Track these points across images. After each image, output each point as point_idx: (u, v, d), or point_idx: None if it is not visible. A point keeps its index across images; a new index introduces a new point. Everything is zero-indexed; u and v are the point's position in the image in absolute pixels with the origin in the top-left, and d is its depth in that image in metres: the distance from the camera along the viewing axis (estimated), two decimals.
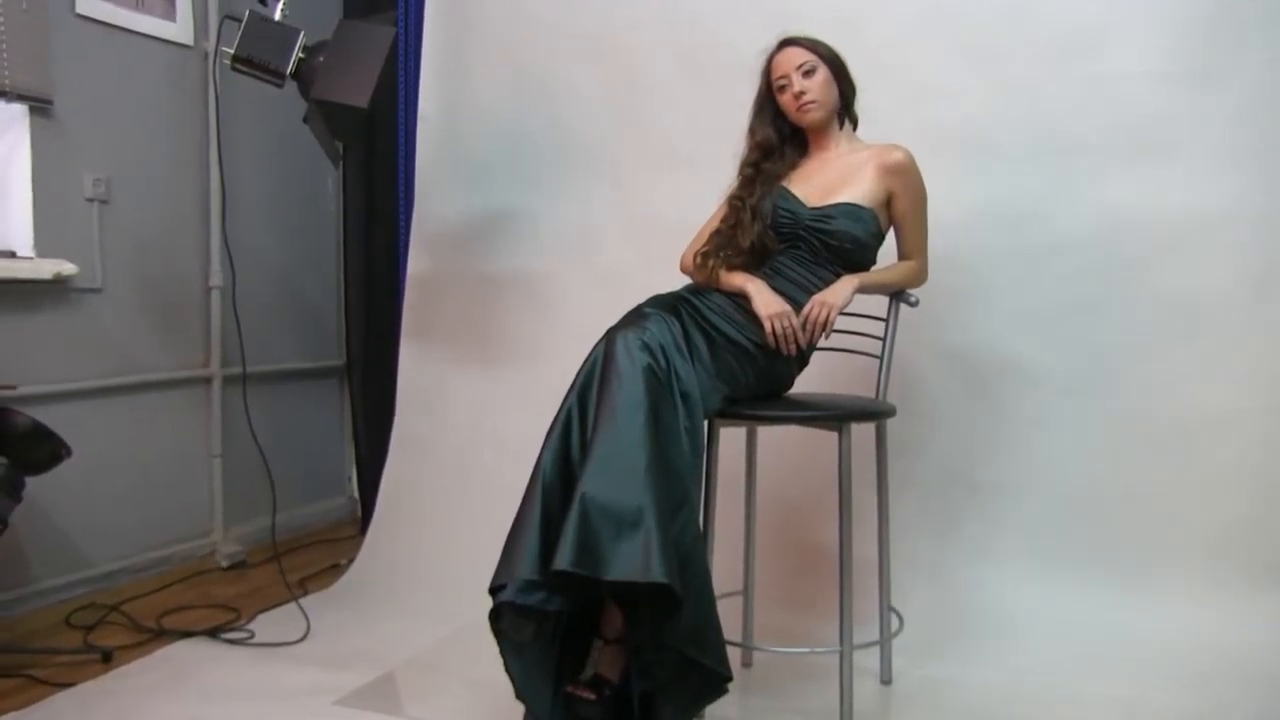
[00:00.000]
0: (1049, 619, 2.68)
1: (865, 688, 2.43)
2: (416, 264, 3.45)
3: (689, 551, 1.98)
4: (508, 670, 2.03)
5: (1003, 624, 2.69)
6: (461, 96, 3.41)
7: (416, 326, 3.46)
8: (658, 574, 1.83)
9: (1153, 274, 2.72)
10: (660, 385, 2.02)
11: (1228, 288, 2.68)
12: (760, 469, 2.61)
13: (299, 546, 3.59)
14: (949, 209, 2.67)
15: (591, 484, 1.90)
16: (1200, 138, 2.70)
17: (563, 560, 1.84)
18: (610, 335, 2.10)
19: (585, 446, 2.00)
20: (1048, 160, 2.80)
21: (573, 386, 2.11)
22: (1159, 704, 2.35)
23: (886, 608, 2.46)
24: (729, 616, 2.32)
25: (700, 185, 2.73)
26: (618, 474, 1.92)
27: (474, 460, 3.31)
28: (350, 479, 3.99)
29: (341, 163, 3.15)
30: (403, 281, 3.49)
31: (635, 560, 1.85)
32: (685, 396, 2.06)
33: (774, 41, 2.42)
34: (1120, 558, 2.73)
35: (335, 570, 3.33)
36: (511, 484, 3.14)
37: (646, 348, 2.04)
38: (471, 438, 3.34)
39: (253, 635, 2.76)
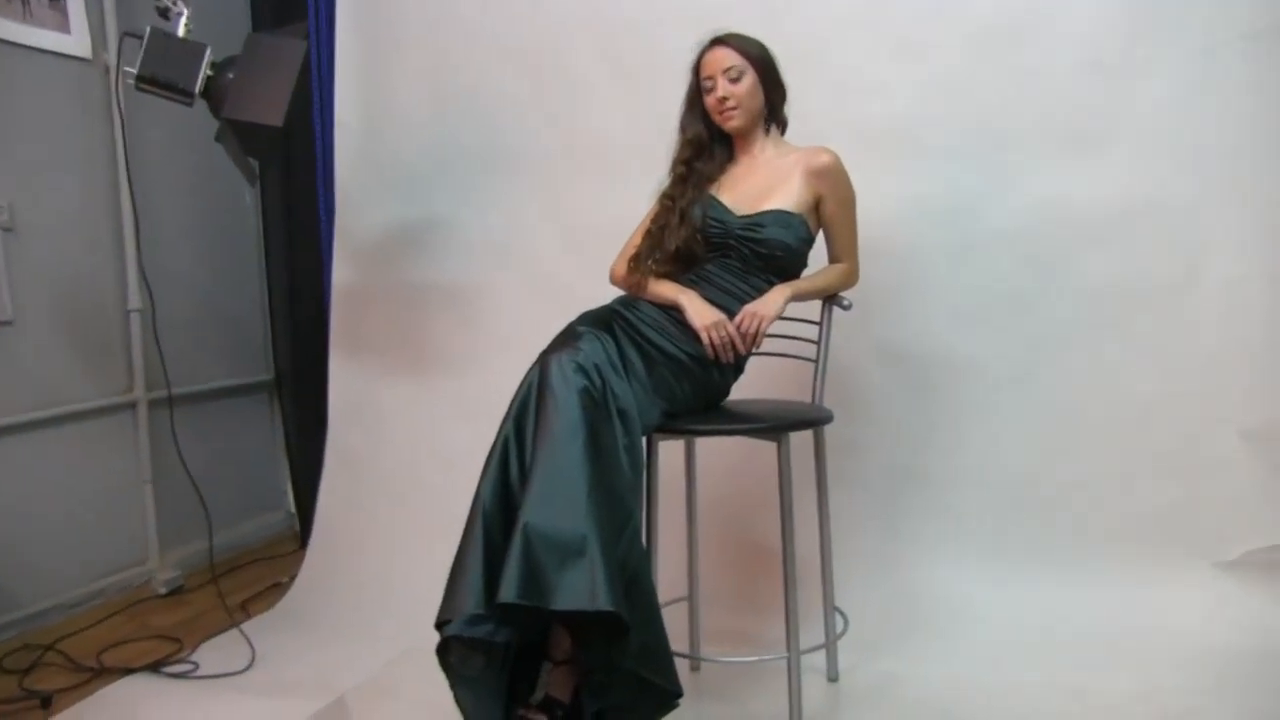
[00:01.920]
0: (991, 609, 2.73)
1: (813, 686, 2.45)
2: (341, 275, 3.38)
3: (635, 571, 1.97)
4: (458, 702, 2.01)
5: (946, 616, 2.73)
6: (380, 102, 3.35)
7: (345, 339, 3.40)
8: (605, 602, 1.83)
9: (1084, 265, 2.77)
10: (597, 406, 2.01)
11: (1157, 277, 2.73)
12: (700, 476, 2.60)
13: (238, 566, 3.52)
14: (880, 205, 2.68)
15: (533, 513, 1.88)
16: (1127, 129, 2.74)
17: (508, 593, 1.83)
18: (544, 358, 2.07)
19: (524, 474, 1.98)
20: (978, 154, 2.83)
21: (508, 413, 2.08)
22: (1100, 689, 2.39)
23: (830, 609, 2.47)
24: (675, 622, 2.34)
25: (633, 190, 2.71)
26: (559, 502, 1.90)
27: (411, 473, 3.28)
28: (286, 493, 3.92)
29: (259, 179, 3.07)
30: (328, 294, 3.41)
31: (582, 589, 1.84)
32: (623, 415, 2.05)
33: (707, 36, 2.39)
34: (1058, 546, 2.79)
35: (277, 589, 3.27)
36: (450, 496, 3.13)
37: (581, 369, 2.02)
38: (407, 450, 3.30)
39: (197, 667, 2.69)
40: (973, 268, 2.85)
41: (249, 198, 3.80)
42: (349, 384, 3.39)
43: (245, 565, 3.56)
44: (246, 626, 2.92)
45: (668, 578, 2.46)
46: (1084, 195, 2.76)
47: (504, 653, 2.00)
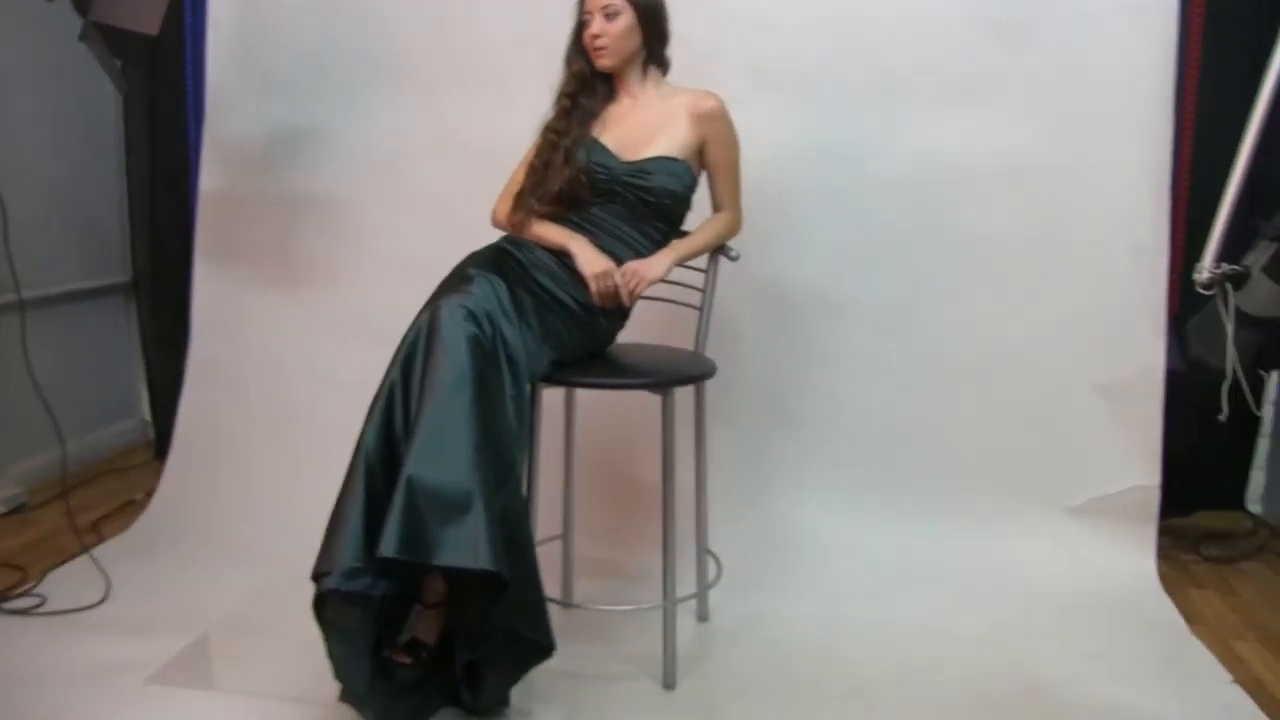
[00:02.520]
0: (856, 549, 2.84)
1: (684, 626, 2.49)
2: (210, 180, 3.21)
3: (514, 524, 1.97)
4: (330, 653, 1.96)
5: (813, 556, 2.83)
6: (255, 2, 3.14)
7: (211, 245, 3.24)
8: (486, 561, 1.82)
9: (961, 217, 2.84)
10: (486, 355, 1.98)
11: (1028, 235, 2.83)
12: (580, 420, 2.61)
13: (88, 480, 3.36)
14: (767, 146, 2.68)
15: (418, 466, 1.85)
16: (1009, 87, 2.81)
17: (388, 547, 1.81)
18: (434, 303, 2.02)
19: (410, 424, 1.93)
20: (865, 100, 2.85)
21: (395, 357, 2.02)
22: (953, 630, 2.50)
23: (704, 555, 2.51)
24: (550, 559, 2.35)
25: (513, 108, 2.64)
26: (445, 455, 1.87)
27: (278, 388, 3.19)
28: (141, 400, 3.76)
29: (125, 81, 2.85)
30: (194, 197, 3.25)
31: (464, 546, 1.83)
32: (512, 363, 2.03)
33: None
34: (921, 489, 2.91)
35: (131, 508, 3.15)
36: (317, 413, 3.12)
37: (472, 316, 1.98)
38: (274, 364, 3.20)
39: (44, 601, 2.51)
40: (854, 213, 2.89)
41: (110, 89, 3.53)
42: (213, 292, 3.25)
43: (96, 479, 3.41)
44: (98, 552, 2.77)
45: (544, 515, 2.46)
46: (964, 148, 2.83)
47: (379, 604, 1.98)
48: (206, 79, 3.19)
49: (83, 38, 2.53)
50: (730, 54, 2.78)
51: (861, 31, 2.83)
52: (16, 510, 3.15)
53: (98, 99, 3.53)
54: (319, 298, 3.17)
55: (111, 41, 2.46)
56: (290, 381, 3.18)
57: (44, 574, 2.68)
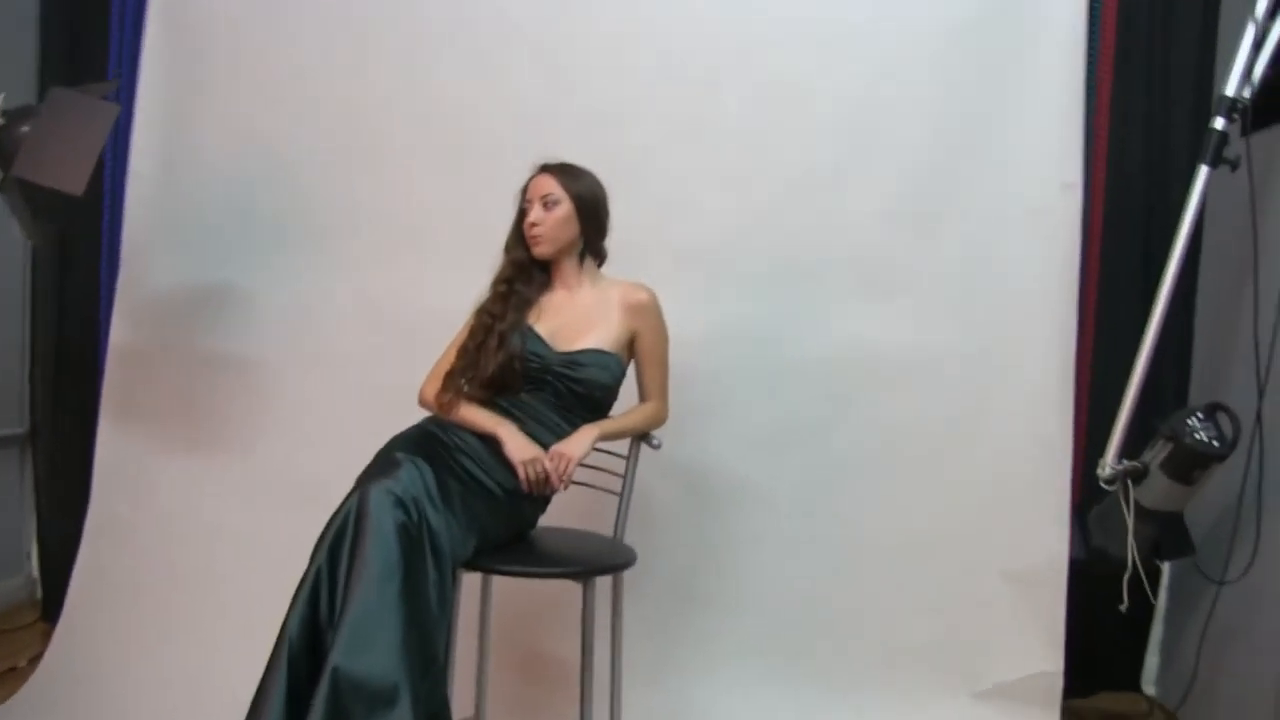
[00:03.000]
0: None
1: None
2: (120, 334, 3.16)
3: (438, 714, 1.96)
4: None
5: None
6: (181, 155, 3.15)
7: (117, 401, 3.16)
8: None
9: (872, 403, 2.93)
10: (413, 543, 1.98)
11: (937, 421, 2.91)
12: (496, 594, 2.58)
13: None
14: (690, 326, 2.72)
15: (343, 657, 1.84)
16: (918, 279, 2.91)
17: None
18: (363, 488, 2.01)
19: (334, 611, 1.91)
20: (782, 286, 2.94)
21: (321, 542, 2.00)
22: None
23: None
24: None
25: (436, 273, 2.81)
26: (372, 646, 1.86)
27: (181, 551, 3.09)
28: (30, 556, 3.60)
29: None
30: (102, 351, 3.19)
31: None
32: (436, 552, 2.03)
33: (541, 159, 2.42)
34: (831, 673, 2.92)
35: (13, 675, 2.99)
36: (220, 580, 3.03)
37: (400, 503, 1.98)
38: (177, 527, 3.11)
39: None
40: (768, 395, 2.95)
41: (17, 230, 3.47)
42: (117, 450, 3.15)
43: None
44: None
45: (457, 693, 2.40)
46: (880, 336, 2.92)
47: None
48: (123, 232, 3.16)
49: (1, 190, 2.50)
50: (651, 234, 2.84)
51: (781, 219, 2.94)
52: None
53: (4, 243, 3.45)
54: (227, 460, 3.10)
55: (30, 196, 2.44)
56: (193, 545, 3.08)
57: None
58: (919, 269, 2.92)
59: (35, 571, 3.58)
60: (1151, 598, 2.88)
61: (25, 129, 2.41)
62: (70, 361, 3.38)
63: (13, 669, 3.05)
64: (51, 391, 3.42)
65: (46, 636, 3.14)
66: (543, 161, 2.41)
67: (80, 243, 3.30)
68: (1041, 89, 2.87)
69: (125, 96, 3.12)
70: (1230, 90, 2.62)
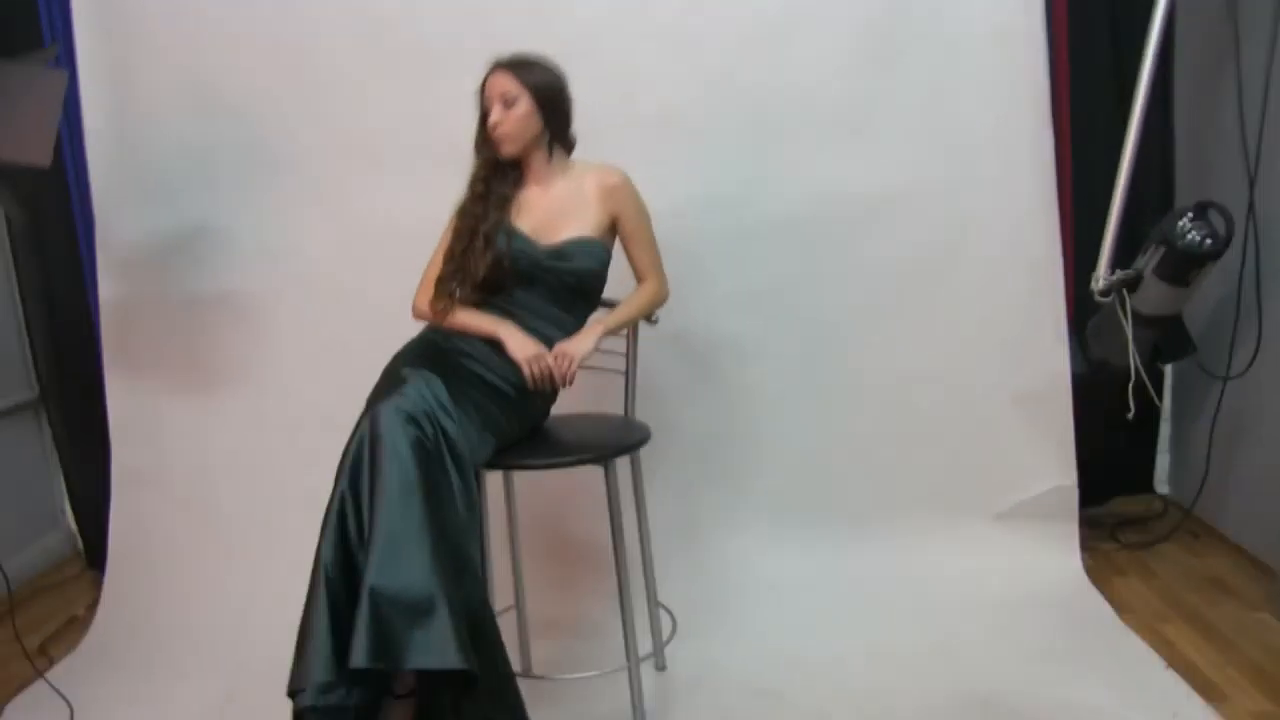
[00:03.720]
0: (797, 580, 2.93)
1: (644, 680, 2.49)
2: (108, 289, 3.16)
3: (477, 614, 2.01)
4: None
5: (753, 591, 2.92)
6: (132, 106, 3.10)
7: (118, 355, 3.19)
8: (456, 660, 1.87)
9: (855, 248, 2.94)
10: (430, 456, 2.01)
11: (921, 256, 2.94)
12: (521, 494, 2.64)
13: (25, 599, 3.25)
14: (663, 197, 2.68)
15: (378, 575, 1.89)
16: (885, 118, 2.91)
17: (359, 658, 1.84)
18: (373, 409, 2.04)
19: (364, 533, 1.96)
20: (750, 144, 2.94)
21: (341, 468, 2.04)
22: (903, 647, 2.61)
23: (656, 609, 2.57)
24: (506, 629, 2.37)
25: (404, 184, 2.83)
26: (403, 562, 1.91)
27: (205, 491, 3.18)
28: (64, 512, 3.69)
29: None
30: (96, 308, 3.20)
31: (433, 647, 1.88)
32: (456, 458, 2.06)
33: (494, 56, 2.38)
34: (847, 512, 3.04)
35: (75, 624, 3.10)
36: (246, 510, 3.14)
37: (412, 419, 2.01)
38: (197, 467, 3.19)
39: None
40: (752, 255, 2.98)
41: None
42: (127, 401, 3.20)
43: (33, 598, 3.32)
44: (52, 675, 2.71)
45: (496, 586, 2.48)
46: (854, 179, 2.94)
47: (355, 711, 2.00)
48: (91, 189, 3.14)
49: None
50: (612, 111, 2.80)
51: (738, 77, 2.92)
52: None
53: None
54: (237, 395, 3.15)
55: (1, 174, 2.42)
56: (216, 482, 3.16)
57: (3, 706, 2.62)
58: (885, 105, 2.91)
59: (72, 525, 3.66)
60: (1157, 401, 2.94)
61: None
62: (65, 323, 3.38)
63: (73, 618, 3.15)
64: (53, 355, 3.43)
65: (96, 583, 3.25)
66: (495, 58, 2.37)
67: (50, 205, 3.25)
68: None
69: (64, 51, 3.07)
70: None
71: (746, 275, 2.97)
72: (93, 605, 3.15)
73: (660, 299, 2.48)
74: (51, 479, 3.67)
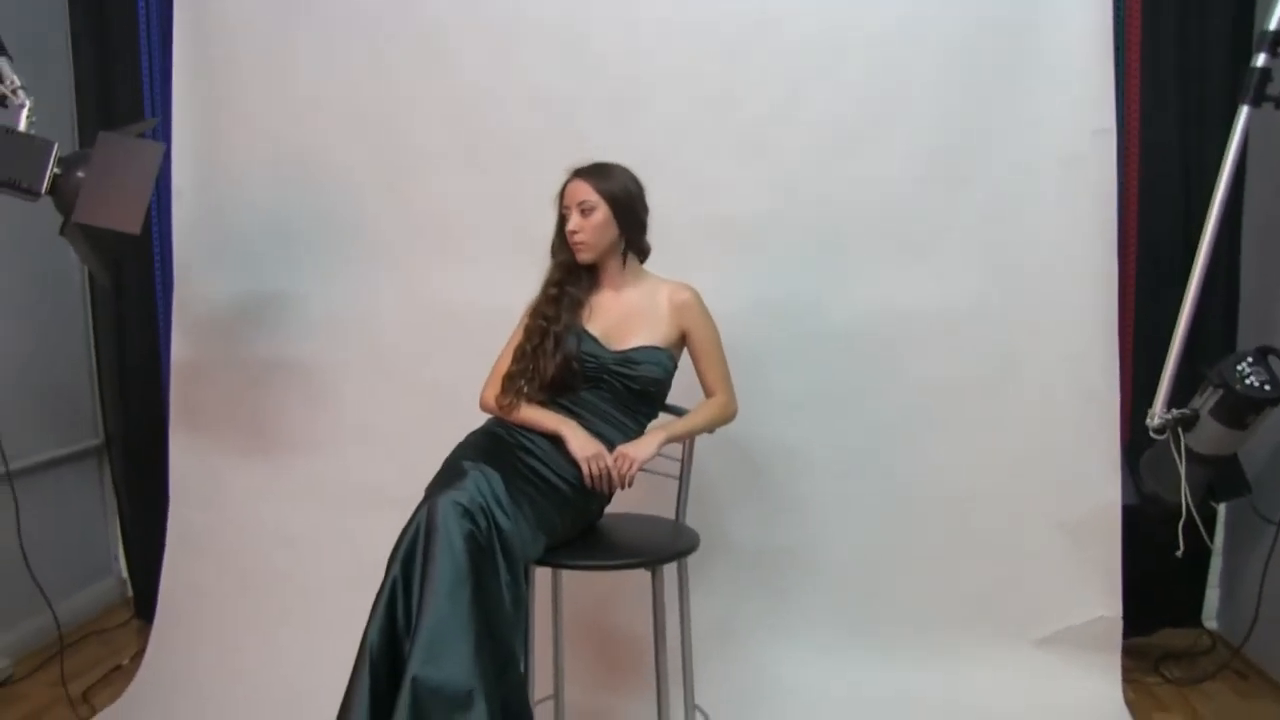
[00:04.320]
0: (835, 691, 2.92)
1: None
2: (181, 348, 3.25)
3: (516, 711, 2.06)
4: None
5: (788, 701, 2.90)
6: (218, 171, 3.21)
7: (184, 413, 3.28)
8: None
9: (911, 364, 2.98)
10: (483, 551, 2.06)
11: (977, 378, 2.95)
12: (567, 582, 2.66)
13: (71, 644, 3.32)
14: (727, 301, 2.72)
15: (421, 667, 1.95)
16: (950, 237, 2.94)
17: None
18: (431, 500, 2.09)
19: (410, 621, 2.01)
20: (816, 255, 2.98)
21: (395, 554, 2.09)
22: None
23: (693, 710, 2.55)
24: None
25: (479, 271, 2.92)
26: (446, 655, 1.97)
27: (258, 556, 3.23)
28: (117, 559, 3.77)
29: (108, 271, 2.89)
30: (166, 364, 3.30)
31: None
32: (507, 554, 2.11)
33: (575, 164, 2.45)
34: (888, 628, 3.02)
35: (118, 673, 3.16)
36: (295, 581, 3.17)
37: (468, 513, 2.07)
38: (253, 532, 3.24)
39: None
40: (809, 364, 3.01)
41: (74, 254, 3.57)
42: (190, 459, 3.27)
43: (80, 643, 3.40)
44: None
45: (537, 676, 2.49)
46: (911, 299, 2.97)
47: None
48: (173, 250, 3.24)
49: (64, 233, 2.58)
50: (684, 215, 2.87)
51: (809, 188, 2.96)
52: (4, 682, 3.12)
53: (63, 268, 3.56)
54: (296, 464, 3.21)
55: (94, 241, 2.51)
56: (269, 548, 3.21)
57: None
58: (951, 226, 2.95)
59: (124, 572, 3.74)
60: (1208, 541, 2.92)
61: (80, 175, 2.47)
62: (135, 375, 3.49)
63: (117, 667, 3.21)
64: (120, 403, 3.54)
65: (143, 633, 3.32)
66: (575, 165, 2.44)
67: (132, 262, 3.38)
68: (1070, 34, 2.86)
69: (161, 117, 3.21)
70: (1272, 25, 2.58)
71: (804, 384, 3.00)
72: (137, 656, 3.21)
73: (728, 415, 2.51)
74: (108, 526, 3.76)
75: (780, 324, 3.00)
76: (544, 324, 2.43)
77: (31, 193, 2.47)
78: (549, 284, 2.47)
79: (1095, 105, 2.86)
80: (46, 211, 2.56)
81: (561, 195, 2.44)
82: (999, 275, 2.94)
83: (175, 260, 3.25)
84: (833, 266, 2.98)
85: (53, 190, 2.48)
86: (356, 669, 2.02)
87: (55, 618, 2.92)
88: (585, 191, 2.39)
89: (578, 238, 2.39)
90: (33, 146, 2.46)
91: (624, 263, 2.47)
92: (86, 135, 3.42)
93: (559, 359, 2.37)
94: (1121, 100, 2.94)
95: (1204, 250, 2.68)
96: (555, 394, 2.41)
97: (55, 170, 2.46)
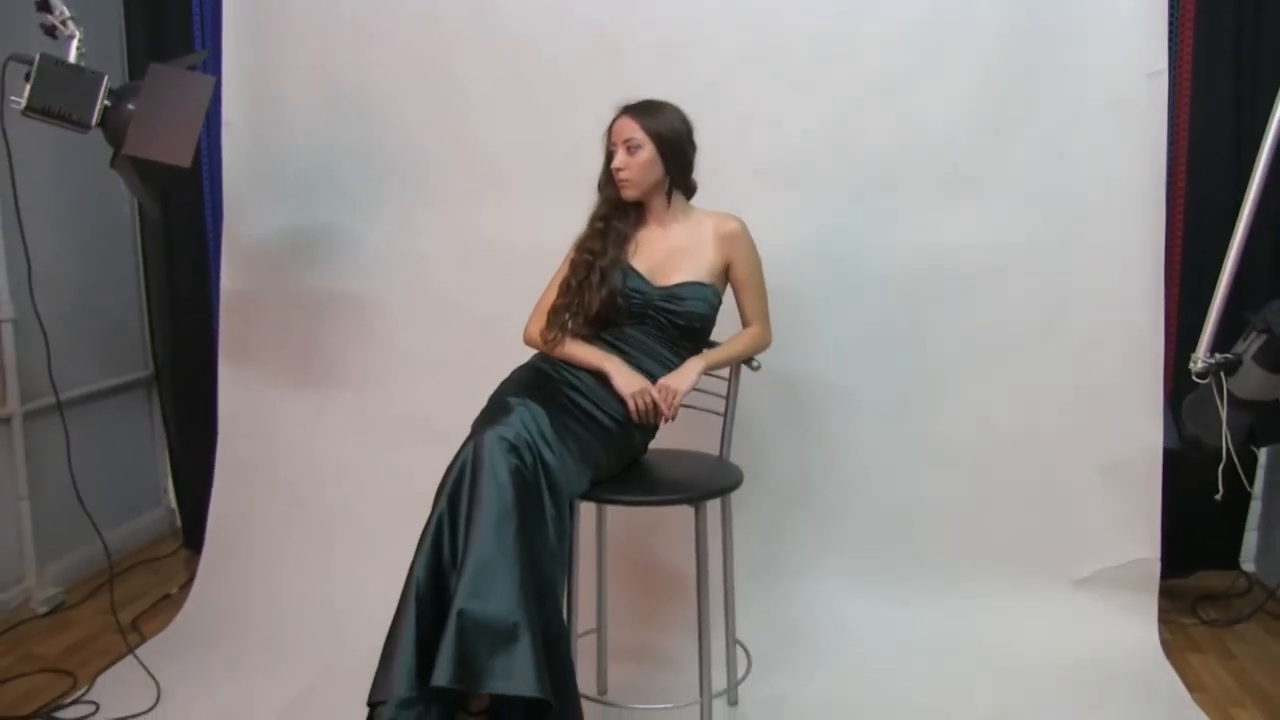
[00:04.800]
0: (869, 629, 2.96)
1: (716, 713, 2.55)
2: (230, 280, 3.29)
3: (555, 643, 2.09)
4: None
5: (828, 636, 2.95)
6: (267, 104, 3.23)
7: (234, 345, 3.32)
8: (534, 689, 1.95)
9: (957, 307, 2.97)
10: (528, 486, 2.09)
11: (1022, 322, 2.95)
12: (611, 517, 2.70)
13: (121, 573, 3.41)
14: (776, 242, 2.74)
15: (467, 600, 1.97)
16: (999, 179, 2.92)
17: (441, 677, 1.93)
18: (478, 436, 2.11)
19: (458, 557, 2.04)
20: (863, 197, 2.98)
21: (441, 489, 2.12)
22: (970, 705, 2.63)
23: (734, 647, 2.61)
24: (586, 650, 2.47)
25: (524, 208, 2.93)
26: (493, 589, 1.99)
27: (306, 488, 3.29)
28: (166, 490, 3.85)
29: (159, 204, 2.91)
30: (215, 296, 3.34)
31: (513, 673, 1.96)
32: (553, 488, 2.14)
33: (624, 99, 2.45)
34: (929, 568, 3.04)
35: (167, 603, 3.23)
36: (342, 511, 3.23)
37: (514, 449, 2.09)
38: (301, 464, 3.29)
39: (97, 709, 2.56)
40: (856, 305, 3.02)
41: (123, 186, 3.59)
42: (239, 391, 3.33)
43: (129, 572, 3.48)
44: (143, 652, 2.83)
45: (581, 608, 2.54)
46: (959, 241, 2.96)
47: None
48: (223, 182, 3.27)
49: (114, 165, 2.60)
50: (734, 154, 2.88)
51: (858, 129, 2.95)
52: (56, 609, 3.21)
53: (111, 197, 3.60)
54: (343, 397, 3.26)
55: (144, 173, 2.53)
56: (317, 480, 3.27)
57: (93, 679, 2.73)
58: (1000, 168, 2.93)
59: (173, 503, 3.82)
60: (1247, 486, 2.91)
61: (130, 107, 2.49)
62: (184, 307, 3.54)
63: (166, 596, 3.29)
64: (170, 336, 3.60)
65: (191, 563, 3.40)
66: (624, 101, 2.44)
67: (181, 193, 3.41)
68: None
69: (212, 49, 3.21)
70: None
71: (850, 325, 3.01)
72: (186, 585, 3.29)
73: (762, 345, 2.53)
74: (157, 457, 3.84)
75: (828, 264, 3.00)
76: (589, 258, 2.44)
77: (82, 125, 2.50)
78: (595, 218, 2.48)
79: (1148, 47, 2.83)
80: (97, 144, 2.58)
81: (610, 132, 2.44)
82: (1047, 218, 2.92)
83: (225, 193, 3.27)
84: (881, 207, 2.97)
85: (103, 123, 2.51)
86: (403, 603, 2.04)
87: (105, 547, 2.97)
88: (632, 129, 2.39)
89: (622, 175, 2.40)
90: (82, 79, 2.48)
91: (669, 200, 2.47)
92: (136, 67, 3.44)
93: (604, 294, 2.39)
94: (1175, 42, 2.91)
95: (1252, 194, 2.64)
96: (600, 329, 2.43)
97: (105, 102, 2.49)
